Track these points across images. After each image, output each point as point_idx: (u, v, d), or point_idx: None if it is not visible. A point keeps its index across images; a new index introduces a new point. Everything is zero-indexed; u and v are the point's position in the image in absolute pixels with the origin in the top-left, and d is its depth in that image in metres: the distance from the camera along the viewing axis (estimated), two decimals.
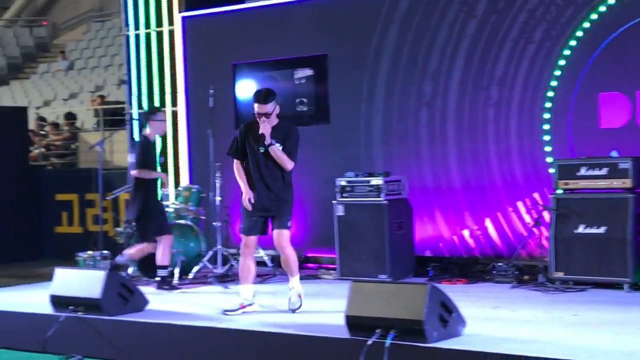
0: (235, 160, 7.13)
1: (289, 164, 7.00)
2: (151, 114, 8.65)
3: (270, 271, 9.36)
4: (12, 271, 11.26)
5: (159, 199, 8.75)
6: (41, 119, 16.42)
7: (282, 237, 7.04)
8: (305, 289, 8.40)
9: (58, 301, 7.28)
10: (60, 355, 6.95)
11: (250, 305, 7.12)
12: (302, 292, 7.19)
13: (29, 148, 14.24)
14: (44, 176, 13.61)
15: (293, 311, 7.02)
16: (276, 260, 9.43)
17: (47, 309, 7.39)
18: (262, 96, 6.94)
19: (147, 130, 8.55)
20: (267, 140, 6.91)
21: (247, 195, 7.04)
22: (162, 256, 8.48)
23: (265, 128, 6.89)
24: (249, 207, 7.03)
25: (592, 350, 5.28)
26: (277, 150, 6.94)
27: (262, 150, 6.98)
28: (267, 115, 6.91)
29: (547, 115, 8.68)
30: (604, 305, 6.99)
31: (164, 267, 8.52)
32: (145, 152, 8.49)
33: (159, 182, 8.68)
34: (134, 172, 8.52)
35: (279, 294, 7.74)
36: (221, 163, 9.29)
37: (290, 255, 7.12)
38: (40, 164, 14.90)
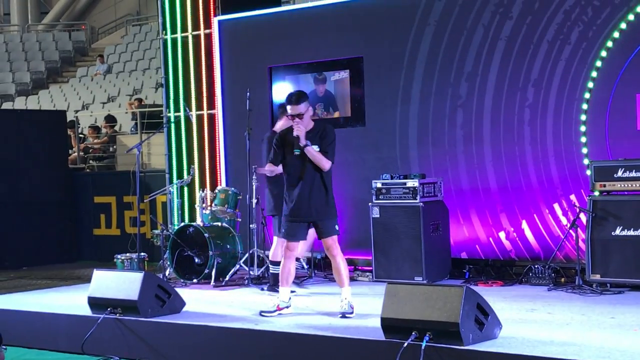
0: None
1: (326, 164, 6.98)
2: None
3: (307, 273, 9.38)
4: (51, 273, 11.40)
5: None
6: (95, 128, 16.58)
7: (330, 244, 7.03)
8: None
9: (96, 303, 7.36)
10: (98, 356, 7.03)
11: (287, 307, 7.14)
12: (354, 304, 7.06)
13: (68, 151, 14.40)
14: (82, 179, 13.75)
15: (343, 315, 6.94)
16: (312, 262, 9.47)
17: (85, 310, 7.48)
18: (294, 97, 6.99)
19: (278, 125, 8.32)
20: (302, 142, 6.92)
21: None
22: (273, 249, 8.31)
23: (299, 130, 6.91)
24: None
25: (629, 354, 5.24)
26: (312, 150, 6.93)
27: (297, 153, 6.99)
28: (300, 116, 6.94)
29: (583, 117, 8.61)
30: None
31: (276, 264, 8.22)
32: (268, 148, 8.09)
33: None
34: (262, 170, 7.81)
35: (314, 296, 7.75)
36: (257, 165, 9.32)
37: (339, 263, 7.03)
38: (79, 166, 15.05)
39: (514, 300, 7.53)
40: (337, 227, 7.10)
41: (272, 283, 8.32)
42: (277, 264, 8.01)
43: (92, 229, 13.20)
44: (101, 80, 21.51)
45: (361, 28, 9.98)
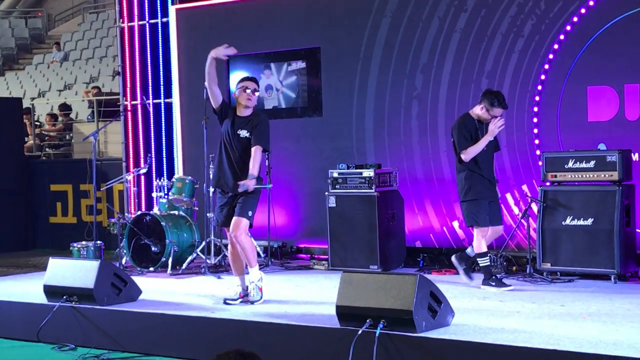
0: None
1: (259, 157, 7.03)
2: (490, 96, 7.59)
3: (263, 261, 9.37)
4: (6, 260, 11.25)
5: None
6: (53, 115, 16.37)
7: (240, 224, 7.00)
8: (298, 280, 8.47)
9: (52, 291, 7.29)
10: (54, 344, 6.96)
11: (246, 295, 7.13)
12: (262, 284, 7.13)
13: (24, 139, 14.21)
14: (38, 167, 13.59)
15: (252, 303, 7.00)
16: (269, 250, 9.47)
17: (41, 298, 7.40)
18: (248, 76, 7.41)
19: (475, 110, 7.64)
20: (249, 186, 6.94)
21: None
22: (475, 243, 7.64)
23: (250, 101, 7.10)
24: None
25: (578, 341, 5.31)
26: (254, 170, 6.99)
27: (242, 135, 7.05)
28: (257, 91, 7.17)
29: (536, 109, 8.71)
30: (591, 296, 7.03)
31: (483, 255, 7.60)
32: (464, 131, 7.59)
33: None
34: (464, 156, 7.52)
35: (271, 284, 7.74)
36: (214, 154, 9.27)
37: (245, 245, 7.02)
38: (34, 154, 14.87)
39: (467, 289, 7.59)
40: (251, 214, 7.04)
41: (486, 277, 7.54)
42: (484, 255, 7.51)
43: (48, 217, 13.05)
44: (58, 67, 21.24)
45: (318, 19, 9.98)
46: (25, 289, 8.27)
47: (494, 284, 7.46)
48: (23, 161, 13.35)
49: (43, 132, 16.16)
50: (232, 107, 7.34)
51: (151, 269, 9.23)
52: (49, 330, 7.06)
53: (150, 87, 11.14)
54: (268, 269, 9.15)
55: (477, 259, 7.61)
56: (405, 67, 9.40)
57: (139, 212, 9.79)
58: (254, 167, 6.96)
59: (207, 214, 9.24)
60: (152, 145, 11.07)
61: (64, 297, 7.12)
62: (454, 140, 7.69)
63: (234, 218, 6.98)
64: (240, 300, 7.08)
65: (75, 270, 7.25)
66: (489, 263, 7.57)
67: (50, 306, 7.15)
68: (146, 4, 11.14)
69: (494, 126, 7.53)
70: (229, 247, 7.21)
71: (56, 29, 26.12)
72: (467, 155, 7.53)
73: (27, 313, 7.35)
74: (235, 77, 10.54)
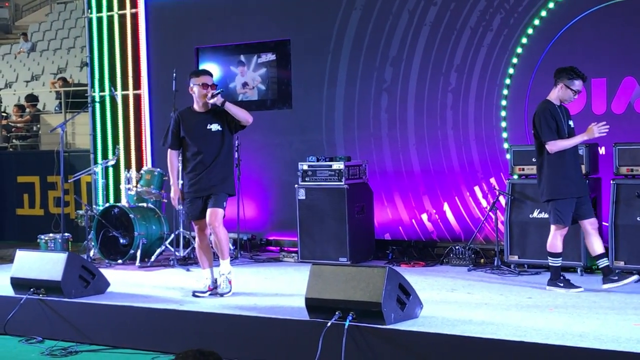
0: (171, 152, 7.12)
1: (249, 116, 7.00)
2: (566, 71, 7.04)
3: (233, 254, 9.34)
4: None
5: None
6: (20, 107, 16.19)
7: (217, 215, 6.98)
8: (267, 272, 8.46)
9: (19, 283, 7.23)
10: (21, 337, 6.90)
11: (215, 287, 7.11)
12: (233, 276, 7.11)
13: None
14: (5, 158, 13.45)
15: (222, 295, 6.99)
16: (238, 243, 9.44)
17: (8, 291, 7.34)
18: (204, 70, 7.23)
19: (553, 94, 7.08)
20: (219, 100, 6.88)
21: (176, 195, 7.14)
22: (552, 240, 7.07)
23: (210, 96, 6.90)
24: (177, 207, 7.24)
25: (545, 332, 5.36)
26: (231, 106, 6.95)
27: (214, 129, 6.95)
28: (214, 86, 7.03)
29: (504, 102, 8.76)
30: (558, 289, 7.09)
31: (556, 255, 7.04)
32: (549, 119, 6.95)
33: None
34: (549, 147, 6.89)
35: (240, 276, 7.71)
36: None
37: (222, 236, 7.00)
38: (1, 145, 14.71)
39: (435, 281, 7.63)
40: (225, 204, 7.05)
41: (553, 278, 7.05)
42: (557, 256, 7.01)
43: (15, 208, 12.92)
44: (25, 58, 21.00)
45: (288, 11, 9.95)
46: None
47: (562, 284, 6.97)
48: None
49: (10, 123, 16.00)
50: (184, 113, 7.15)
51: (119, 261, 9.17)
52: (16, 323, 6.99)
53: (118, 79, 11.05)
54: (237, 261, 9.13)
55: (549, 257, 7.05)
56: (375, 60, 9.40)
57: (107, 204, 9.72)
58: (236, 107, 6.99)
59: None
60: (121, 137, 10.99)
61: (31, 289, 7.06)
62: (536, 130, 6.97)
63: (210, 209, 6.92)
64: (209, 292, 7.06)
65: (42, 263, 7.19)
66: (559, 264, 7.02)
67: (17, 298, 7.08)
68: None
69: (596, 129, 6.89)
70: (197, 239, 7.18)
71: (23, 19, 25.84)
72: (555, 147, 6.84)
73: None
74: (205, 68, 10.48)
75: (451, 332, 5.42)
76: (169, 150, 7.12)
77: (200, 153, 6.96)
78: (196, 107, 7.08)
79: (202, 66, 10.43)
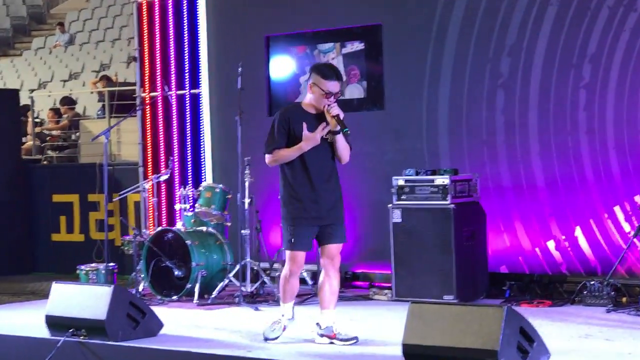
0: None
1: (348, 157, 7.11)
2: None
3: (312, 290, 9.38)
4: (1, 286, 11.41)
5: None
6: (56, 111, 16.60)
7: (338, 252, 7.10)
8: (354, 313, 8.47)
9: (56, 322, 7.37)
10: None
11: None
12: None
13: (21, 139, 14.41)
14: (38, 173, 13.76)
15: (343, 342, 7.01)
16: (318, 277, 9.47)
17: (42, 331, 7.48)
18: (339, 72, 7.13)
19: None
20: (335, 127, 6.96)
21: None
22: None
23: (338, 109, 6.96)
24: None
25: None
26: (343, 139, 7.03)
27: (330, 139, 7.03)
28: (338, 94, 7.08)
29: None
30: None
31: None
32: None
33: None
34: None
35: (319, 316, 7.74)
36: (251, 157, 9.33)
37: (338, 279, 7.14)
38: (34, 158, 15.08)
39: (565, 325, 7.55)
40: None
41: None
42: None
43: (50, 233, 13.20)
44: (62, 53, 21.54)
45: None
46: (23, 320, 8.39)
47: None
48: (20, 166, 13.53)
49: (44, 131, 16.39)
50: (293, 109, 7.20)
51: (174, 297, 9.29)
52: None
53: (173, 76, 11.23)
54: (317, 299, 9.14)
55: None
56: (489, 49, 9.36)
57: (159, 228, 9.87)
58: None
59: (242, 231, 9.27)
60: (175, 147, 11.16)
61: (70, 330, 7.18)
62: None
63: (336, 245, 7.06)
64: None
65: (83, 298, 7.32)
66: None
67: (53, 341, 7.20)
68: None
69: None
70: (289, 272, 7.12)
71: (59, 6, 26.50)
72: None
73: (26, 349, 7.46)
74: (276, 62, 10.60)
75: None
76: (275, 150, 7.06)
77: (311, 167, 7.04)
78: (306, 106, 7.14)
79: (273, 59, 10.53)
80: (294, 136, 6.98)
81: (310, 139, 6.90)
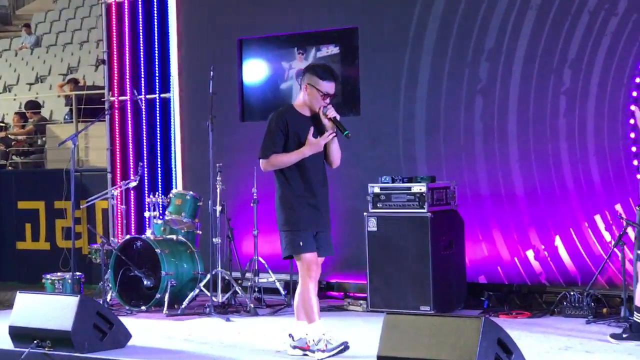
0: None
1: (339, 162, 7.20)
2: None
3: (284, 300, 9.37)
4: None
5: None
6: (22, 115, 16.52)
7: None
8: (328, 324, 8.40)
9: (19, 333, 7.33)
10: None
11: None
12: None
13: None
14: (3, 179, 13.69)
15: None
16: (290, 287, 9.46)
17: (6, 343, 7.44)
18: (335, 72, 7.14)
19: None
20: (331, 133, 7.01)
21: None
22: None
23: (334, 112, 6.97)
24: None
25: None
26: (336, 144, 7.10)
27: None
28: (333, 96, 7.08)
29: (633, 107, 8.65)
30: None
31: None
32: None
33: None
34: None
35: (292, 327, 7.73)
36: (222, 163, 9.32)
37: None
38: None
39: (544, 337, 7.57)
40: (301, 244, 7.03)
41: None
42: None
43: (15, 242, 13.14)
44: (28, 55, 21.44)
45: None
46: None
47: None
48: None
49: (9, 135, 16.30)
50: (288, 111, 7.12)
51: (143, 307, 9.26)
52: None
53: (142, 79, 11.20)
54: (290, 309, 9.14)
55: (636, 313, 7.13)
56: (467, 54, 9.38)
57: (128, 237, 9.83)
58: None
59: (213, 239, 9.25)
60: (145, 153, 11.12)
61: (35, 341, 7.15)
62: None
63: (323, 257, 7.12)
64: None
65: (48, 309, 7.29)
66: None
67: (17, 352, 7.17)
68: None
69: None
70: (308, 281, 7.03)
71: (26, 7, 26.39)
72: None
73: None
74: (250, 65, 10.58)
75: None
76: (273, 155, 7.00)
77: (311, 172, 7.07)
78: (300, 108, 7.12)
79: (246, 63, 10.52)
80: (291, 140, 6.95)
81: (314, 145, 6.89)
